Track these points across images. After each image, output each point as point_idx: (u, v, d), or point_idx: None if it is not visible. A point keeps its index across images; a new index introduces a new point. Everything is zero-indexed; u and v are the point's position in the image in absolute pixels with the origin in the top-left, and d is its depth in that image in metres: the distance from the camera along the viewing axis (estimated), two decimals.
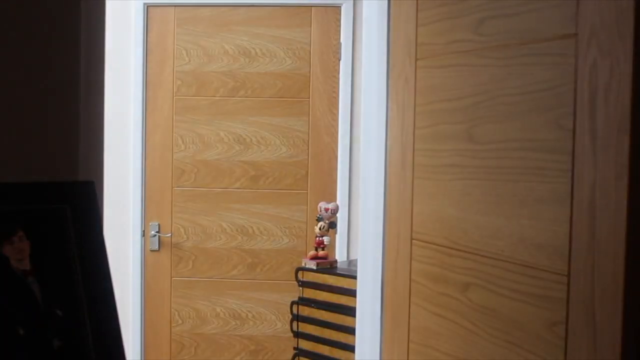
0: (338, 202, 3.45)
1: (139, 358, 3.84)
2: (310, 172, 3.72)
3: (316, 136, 3.74)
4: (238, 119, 3.79)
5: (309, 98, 3.74)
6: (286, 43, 3.72)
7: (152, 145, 3.83)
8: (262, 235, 3.75)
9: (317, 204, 3.19)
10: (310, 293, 2.89)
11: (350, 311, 2.50)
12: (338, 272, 2.86)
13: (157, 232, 3.80)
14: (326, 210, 2.95)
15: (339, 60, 3.68)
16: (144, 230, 3.83)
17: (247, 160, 3.79)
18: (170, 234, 3.80)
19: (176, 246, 3.82)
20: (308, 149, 3.74)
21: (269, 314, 3.74)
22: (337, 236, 3.58)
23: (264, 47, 3.72)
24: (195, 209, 3.81)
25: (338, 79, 3.69)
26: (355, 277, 2.26)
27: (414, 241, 1.81)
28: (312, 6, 3.70)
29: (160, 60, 3.79)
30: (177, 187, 3.83)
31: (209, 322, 3.81)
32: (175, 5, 3.93)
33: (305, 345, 2.91)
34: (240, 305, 3.78)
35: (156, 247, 3.80)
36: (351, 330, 2.36)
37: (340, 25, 3.68)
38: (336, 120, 3.72)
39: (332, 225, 2.98)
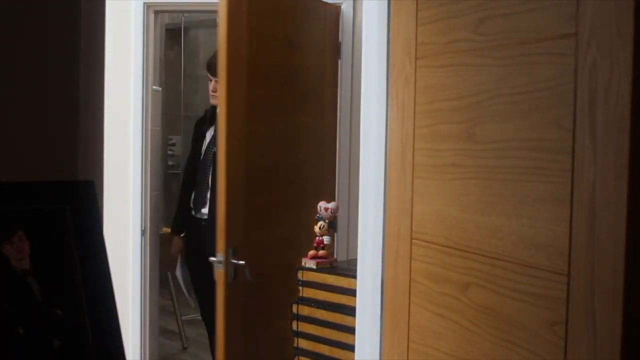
0: (338, 202, 3.44)
1: (139, 358, 3.84)
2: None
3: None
4: None
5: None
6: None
7: None
8: None
9: (317, 203, 3.19)
10: (310, 292, 2.88)
11: (350, 311, 2.50)
12: (338, 271, 2.86)
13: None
14: (326, 209, 2.95)
15: (339, 59, 3.67)
16: (143, 230, 3.83)
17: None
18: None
19: None
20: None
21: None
22: (337, 236, 3.57)
23: None
24: None
25: (338, 78, 3.68)
26: (355, 277, 2.26)
27: (414, 241, 1.81)
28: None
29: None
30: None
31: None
32: (176, 5, 3.94)
33: (305, 344, 2.91)
34: None
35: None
36: (351, 330, 2.36)
37: (340, 25, 3.67)
38: (336, 120, 3.71)
39: (332, 224, 2.97)
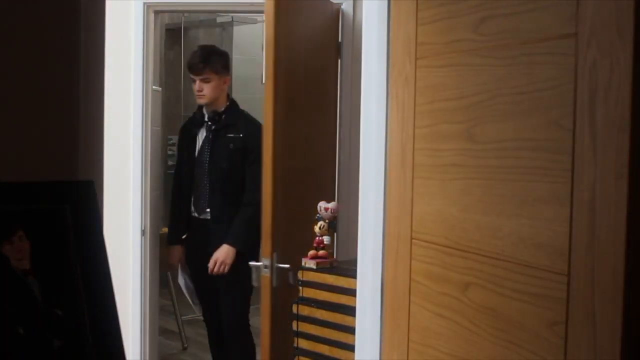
0: (338, 202, 3.44)
1: (139, 358, 3.83)
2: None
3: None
4: None
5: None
6: None
7: None
8: None
9: (317, 203, 3.19)
10: (310, 292, 2.88)
11: (350, 311, 2.50)
12: (338, 271, 2.86)
13: None
14: (326, 210, 2.94)
15: (339, 59, 3.67)
16: (143, 230, 3.82)
17: None
18: None
19: None
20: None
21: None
22: (337, 236, 3.57)
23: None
24: None
25: (338, 78, 3.68)
26: (355, 277, 2.26)
27: (414, 241, 1.81)
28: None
29: None
30: None
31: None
32: (176, 5, 3.94)
33: (305, 344, 2.91)
34: None
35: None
36: (351, 330, 2.36)
37: (340, 25, 3.67)
38: (336, 119, 3.71)
39: (332, 224, 2.97)
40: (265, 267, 2.85)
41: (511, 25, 1.48)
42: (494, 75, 1.52)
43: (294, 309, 2.91)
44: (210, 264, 3.70)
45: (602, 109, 1.24)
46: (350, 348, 2.40)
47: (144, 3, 3.75)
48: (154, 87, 3.94)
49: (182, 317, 5.40)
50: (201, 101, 3.83)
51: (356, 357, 2.20)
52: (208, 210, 3.82)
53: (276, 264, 2.85)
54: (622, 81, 1.20)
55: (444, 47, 1.70)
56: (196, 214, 3.89)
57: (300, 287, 2.89)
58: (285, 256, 2.90)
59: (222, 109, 3.84)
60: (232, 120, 3.82)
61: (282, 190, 2.95)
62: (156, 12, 3.90)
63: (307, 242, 3.03)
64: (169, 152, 6.99)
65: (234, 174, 3.75)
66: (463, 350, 1.62)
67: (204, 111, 3.88)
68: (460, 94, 1.63)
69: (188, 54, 6.96)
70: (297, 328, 2.91)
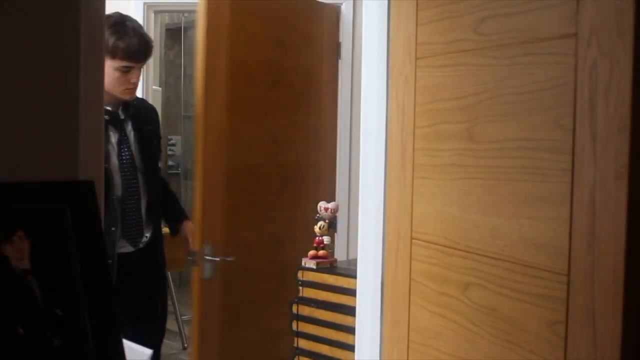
0: (338, 202, 3.44)
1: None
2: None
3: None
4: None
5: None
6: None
7: None
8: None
9: (317, 203, 3.19)
10: (310, 292, 2.88)
11: (350, 311, 2.50)
12: (338, 271, 2.86)
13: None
14: (326, 209, 2.94)
15: (339, 59, 3.67)
16: None
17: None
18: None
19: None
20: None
21: None
22: (337, 236, 3.57)
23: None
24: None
25: (338, 78, 3.68)
26: (355, 277, 2.26)
27: (414, 240, 1.81)
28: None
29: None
30: None
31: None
32: (176, 5, 3.94)
33: (305, 344, 2.91)
34: None
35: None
36: (351, 330, 2.36)
37: (340, 25, 3.67)
38: (336, 120, 3.71)
39: (332, 224, 2.97)
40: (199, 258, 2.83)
41: (511, 25, 1.48)
42: (494, 75, 1.52)
43: (294, 309, 2.91)
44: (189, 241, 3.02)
45: (602, 109, 1.24)
46: (350, 348, 2.40)
47: (144, 3, 3.75)
48: (154, 87, 3.94)
49: (182, 317, 5.40)
50: (132, 96, 2.84)
51: (356, 357, 2.21)
52: (147, 236, 2.84)
53: (206, 257, 2.84)
54: (622, 81, 1.20)
55: (444, 47, 1.70)
56: (123, 250, 2.76)
57: (300, 287, 2.90)
58: (226, 251, 2.90)
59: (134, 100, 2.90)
60: (143, 109, 2.96)
61: (223, 187, 2.95)
62: (156, 12, 3.90)
63: (268, 237, 3.03)
64: (169, 152, 7.00)
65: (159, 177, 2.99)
66: (463, 350, 1.62)
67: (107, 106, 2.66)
68: (460, 94, 1.63)
69: (188, 54, 6.98)
70: (297, 328, 2.92)
